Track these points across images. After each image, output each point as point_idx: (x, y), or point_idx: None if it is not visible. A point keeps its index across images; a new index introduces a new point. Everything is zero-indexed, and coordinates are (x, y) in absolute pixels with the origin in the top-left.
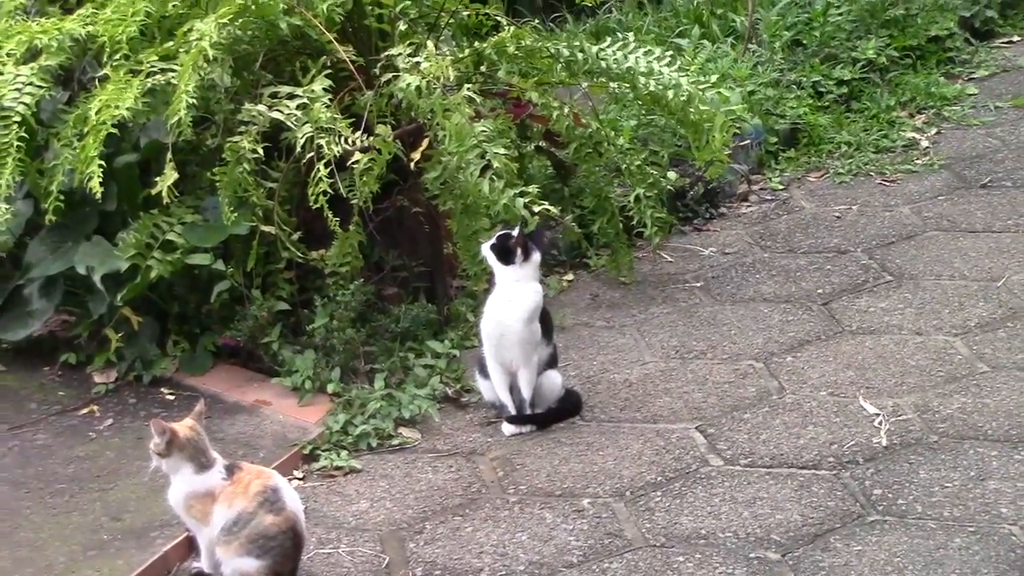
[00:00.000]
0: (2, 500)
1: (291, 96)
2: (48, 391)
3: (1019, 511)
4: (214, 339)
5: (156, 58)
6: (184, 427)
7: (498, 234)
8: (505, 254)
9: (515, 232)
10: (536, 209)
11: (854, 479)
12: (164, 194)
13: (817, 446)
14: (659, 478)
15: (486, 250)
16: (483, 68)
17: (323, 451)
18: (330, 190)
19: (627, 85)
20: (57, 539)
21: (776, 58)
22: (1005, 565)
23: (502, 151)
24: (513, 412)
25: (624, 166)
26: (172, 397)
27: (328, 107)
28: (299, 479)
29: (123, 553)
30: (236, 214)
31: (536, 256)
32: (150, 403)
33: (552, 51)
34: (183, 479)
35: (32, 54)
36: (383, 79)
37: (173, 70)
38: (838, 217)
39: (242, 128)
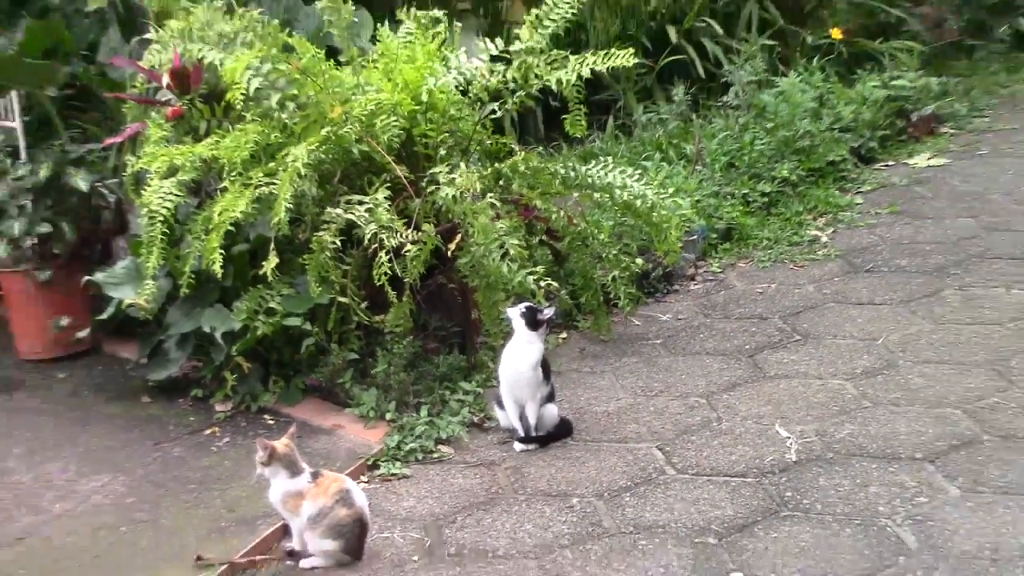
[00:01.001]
0: (149, 496)
1: (360, 202)
2: (182, 417)
3: (893, 509)
4: (303, 379)
5: (262, 174)
6: (281, 444)
7: (527, 304)
8: (533, 323)
9: (547, 311)
10: (541, 284)
11: (772, 485)
12: (268, 274)
13: (745, 460)
14: (629, 483)
15: (515, 314)
16: (501, 182)
17: (382, 462)
18: (389, 271)
19: (607, 195)
20: (189, 526)
21: (716, 176)
22: (881, 548)
23: (516, 242)
24: (522, 434)
25: (604, 254)
26: (272, 422)
27: (387, 211)
28: (365, 483)
29: (237, 536)
30: (320, 289)
31: (546, 329)
32: (256, 426)
33: (552, 170)
34: (280, 482)
35: (172, 171)
36: (428, 190)
37: (274, 183)
38: (761, 293)
39: (325, 226)
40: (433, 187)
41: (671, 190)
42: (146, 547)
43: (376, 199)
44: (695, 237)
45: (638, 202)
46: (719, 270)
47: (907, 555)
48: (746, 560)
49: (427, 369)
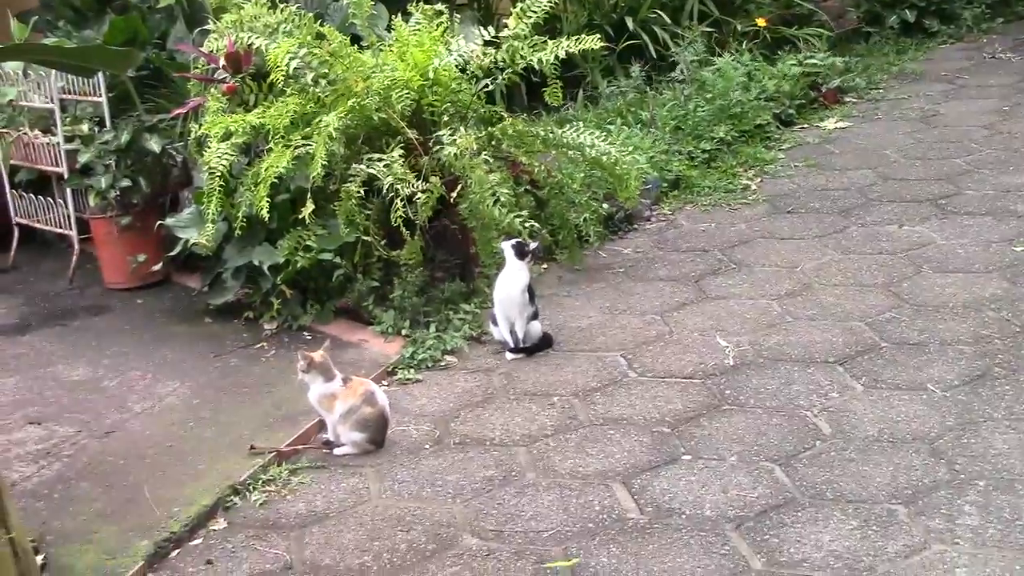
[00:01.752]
0: (211, 398)
1: (379, 159)
2: (237, 334)
3: (811, 403)
4: (335, 303)
5: (300, 137)
6: (318, 355)
7: (517, 239)
8: (520, 253)
9: (532, 245)
10: (526, 225)
11: (714, 384)
12: (305, 218)
13: (692, 365)
14: (599, 384)
15: (505, 246)
16: (493, 143)
17: (400, 369)
18: (403, 215)
19: (579, 152)
20: (243, 420)
21: (666, 136)
22: (802, 434)
23: (506, 191)
24: (512, 346)
25: (577, 200)
26: (310, 338)
27: (401, 166)
28: (386, 386)
29: (283, 428)
30: (348, 229)
31: (531, 261)
32: (298, 341)
33: (534, 132)
34: (317, 386)
35: (227, 135)
36: (434, 149)
37: (310, 144)
38: (703, 231)
39: (351, 178)
40: (438, 147)
41: (630, 148)
42: (210, 438)
43: (392, 157)
44: (650, 186)
45: (604, 158)
46: (670, 212)
47: (823, 439)
48: (694, 445)
49: (435, 294)
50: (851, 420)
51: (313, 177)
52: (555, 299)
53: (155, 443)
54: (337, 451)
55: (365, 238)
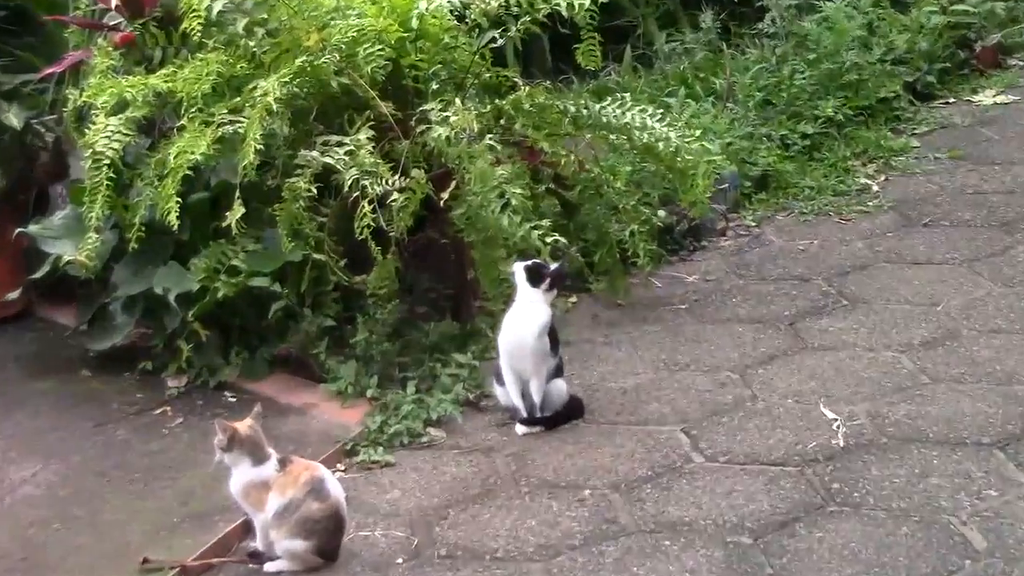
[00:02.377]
0: (87, 487)
1: (340, 144)
2: (128, 393)
3: (957, 504)
4: (271, 350)
5: (226, 111)
6: (244, 426)
7: (533, 260)
8: (536, 278)
9: (552, 267)
10: (548, 240)
11: (816, 475)
12: (232, 226)
13: (784, 446)
14: (649, 472)
15: (517, 268)
16: (502, 121)
17: (362, 447)
18: (372, 223)
19: (624, 137)
20: (134, 521)
21: (750, 115)
22: (944, 550)
23: (519, 191)
24: (525, 415)
25: (621, 205)
26: (234, 400)
27: (371, 153)
28: (341, 471)
29: (190, 533)
30: (292, 244)
31: (554, 292)
32: (215, 404)
33: (561, 108)
34: (242, 471)
35: (120, 106)
36: (418, 130)
37: (240, 121)
38: (802, 250)
39: (298, 171)
40: (423, 127)
41: (698, 131)
42: (83, 547)
43: (358, 140)
44: (726, 186)
45: (660, 145)
46: (754, 224)
47: (974, 558)
48: (786, 564)
49: (415, 338)
50: (1016, 531)
51: (244, 168)
52: (588, 347)
53: (2, 555)
54: (269, 567)
55: (317, 256)
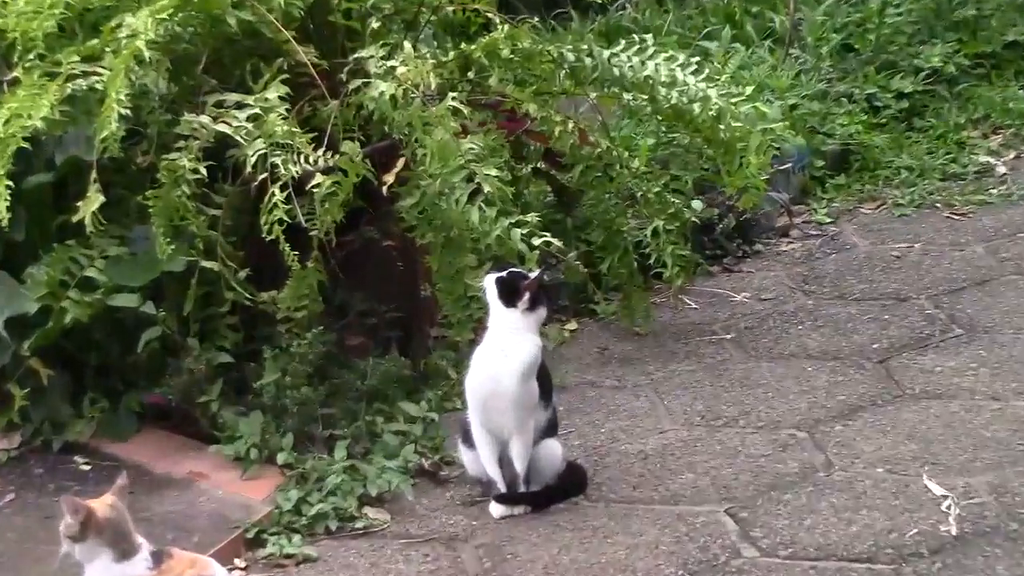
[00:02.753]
0: None
1: (240, 106)
2: None
3: None
4: (140, 397)
5: (78, 59)
6: (103, 505)
7: (509, 269)
8: (511, 294)
9: (532, 274)
10: (535, 242)
11: (918, 574)
12: (86, 221)
13: (872, 534)
14: (681, 572)
15: (488, 282)
16: (471, 75)
17: (271, 535)
18: (286, 218)
19: (644, 97)
20: None
21: (823, 65)
22: None
23: (494, 173)
24: (503, 489)
25: (640, 193)
26: (88, 467)
27: (284, 119)
28: (241, 569)
29: None
30: (171, 247)
31: (543, 311)
32: (61, 475)
33: (554, 55)
34: (100, 568)
35: None
36: (351, 86)
37: (99, 73)
38: (897, 257)
39: (180, 144)
40: (358, 82)
41: (749, 89)
42: None
43: (265, 100)
44: (789, 166)
45: (695, 108)
46: (828, 219)
47: None
48: None
49: (347, 381)
50: None
51: (103, 140)
52: (593, 394)
53: None
54: None
55: (207, 265)
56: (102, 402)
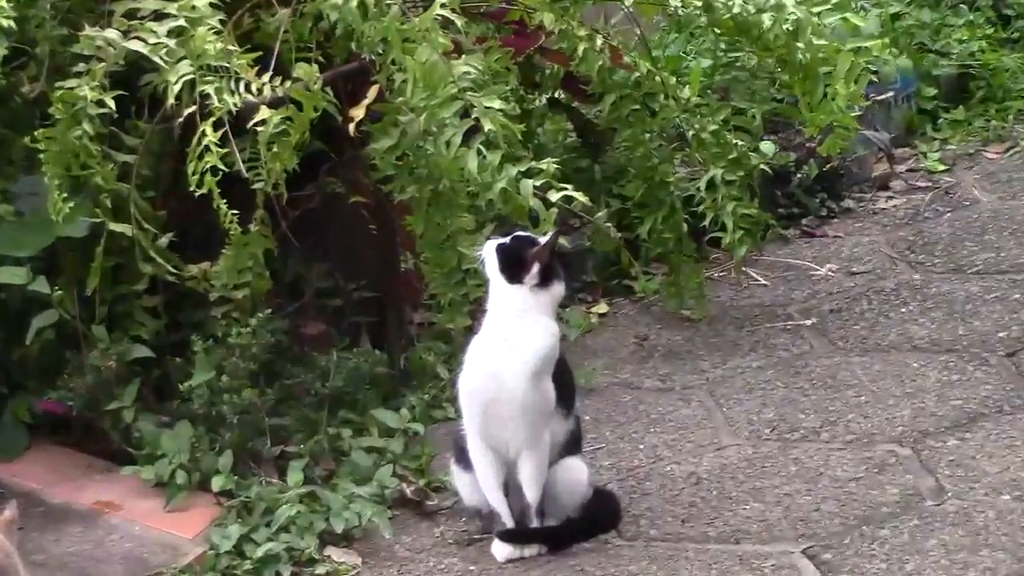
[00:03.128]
0: None
1: (159, 16)
2: None
3: None
4: (30, 404)
5: None
6: None
7: (513, 233)
8: (515, 265)
9: (543, 239)
10: (553, 198)
11: None
12: None
13: None
14: None
15: (488, 251)
16: None
17: None
18: (221, 166)
19: (697, 4)
20: None
21: None
22: None
23: (497, 105)
24: (511, 524)
25: (691, 132)
26: None
27: (218, 34)
28: None
29: None
30: (69, 205)
31: (560, 287)
32: None
33: None
34: None
35: None
36: None
37: None
38: None
39: (80, 67)
40: None
41: None
42: None
43: (193, 8)
44: (890, 96)
45: (765, 19)
46: (942, 167)
47: None
48: None
49: (303, 382)
50: None
51: None
52: (629, 398)
53: None
54: None
55: (116, 227)
56: None
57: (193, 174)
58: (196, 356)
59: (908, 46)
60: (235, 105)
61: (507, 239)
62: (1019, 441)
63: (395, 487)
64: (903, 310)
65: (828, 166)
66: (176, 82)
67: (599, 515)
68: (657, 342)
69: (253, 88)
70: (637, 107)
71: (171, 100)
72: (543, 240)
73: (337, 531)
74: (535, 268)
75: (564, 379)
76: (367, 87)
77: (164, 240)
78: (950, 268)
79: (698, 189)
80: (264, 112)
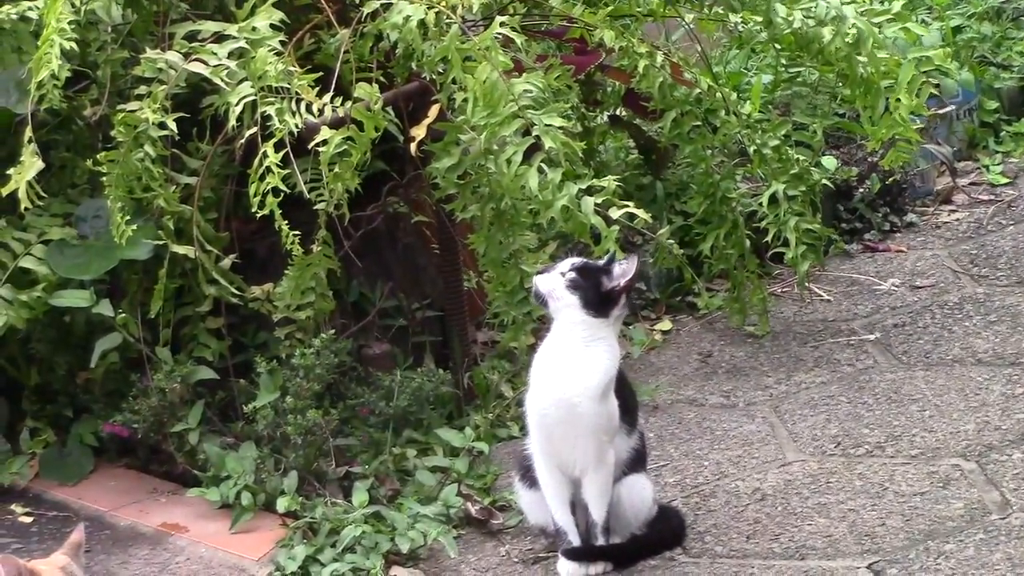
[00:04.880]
0: None
1: (220, 38)
2: None
3: None
4: (96, 427)
5: None
6: (52, 567)
7: (579, 262)
8: (604, 303)
9: (619, 266)
10: (616, 215)
11: None
12: (20, 195)
13: None
14: None
15: (552, 285)
16: None
17: None
18: (283, 188)
19: (758, 19)
20: None
21: None
22: None
23: (558, 123)
24: (577, 542)
25: (753, 148)
26: (29, 519)
27: (279, 55)
28: None
29: None
30: (133, 227)
31: (625, 308)
32: None
33: None
34: None
35: None
36: (366, 10)
37: None
38: None
39: (142, 90)
40: (378, 3)
41: (897, 5)
42: None
43: (254, 30)
44: (952, 109)
45: (826, 33)
46: (1005, 180)
47: None
48: None
49: (367, 402)
50: None
51: (39, 86)
52: (693, 415)
53: None
54: None
55: (179, 249)
56: (46, 434)
57: (255, 195)
58: (260, 377)
59: (969, 59)
60: (296, 126)
61: (573, 272)
62: None
63: (460, 506)
64: (966, 324)
65: (890, 180)
66: (237, 104)
67: (664, 532)
68: (721, 358)
69: (314, 109)
70: (698, 123)
71: (232, 122)
72: (621, 268)
73: (403, 551)
74: (622, 300)
75: (625, 395)
76: (428, 106)
77: (227, 262)
78: (1013, 281)
79: (760, 205)
80: (325, 133)
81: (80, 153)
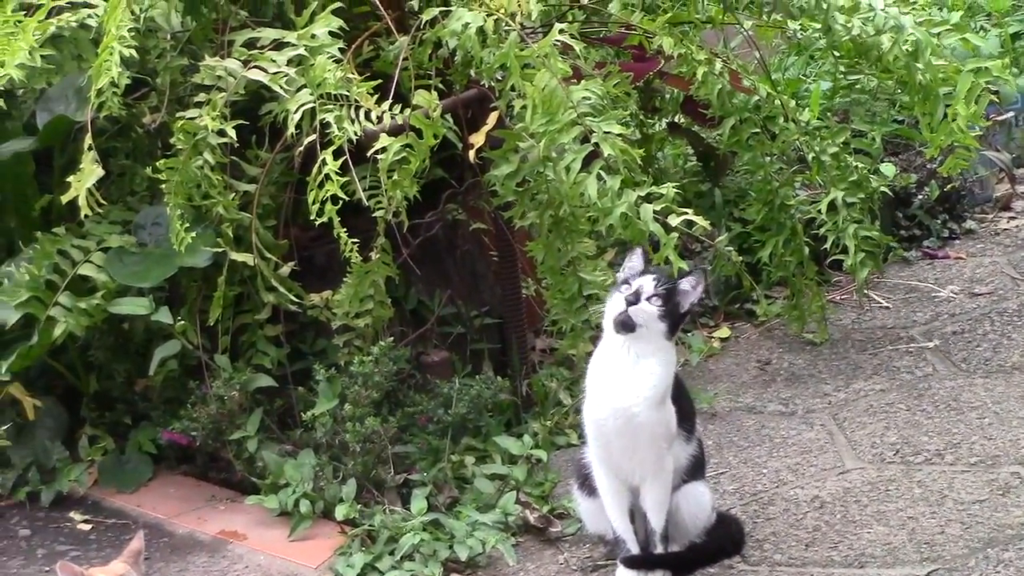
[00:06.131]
0: None
1: (279, 45)
2: None
3: None
4: (155, 434)
5: None
6: (112, 575)
7: (655, 285)
8: (680, 322)
9: (687, 283)
10: (674, 222)
11: None
12: (80, 202)
13: None
14: None
15: (652, 319)
16: (585, 0)
17: None
18: (342, 195)
19: (817, 26)
20: None
21: None
22: None
23: (617, 130)
24: (635, 550)
25: (812, 155)
26: (88, 526)
27: (338, 63)
28: None
29: None
30: (192, 235)
31: (678, 322)
32: (53, 536)
33: None
34: None
35: None
36: (425, 17)
37: (92, 5)
38: None
39: (201, 97)
40: (437, 10)
41: (956, 14)
42: None
43: (313, 37)
44: (1011, 116)
45: (885, 41)
46: None
47: None
48: None
49: (426, 410)
50: None
51: (99, 93)
52: (752, 423)
53: None
54: None
55: (238, 257)
56: (105, 441)
57: (314, 203)
58: (319, 385)
59: None
60: (355, 133)
61: (659, 300)
62: None
63: (518, 514)
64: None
65: (949, 187)
66: (296, 111)
67: (723, 540)
68: (779, 366)
69: (373, 116)
70: (757, 130)
71: (291, 129)
72: (690, 284)
73: (461, 559)
74: (680, 312)
75: (682, 402)
76: (486, 114)
77: (286, 269)
78: None
79: (819, 212)
80: (384, 140)
81: (139, 160)
